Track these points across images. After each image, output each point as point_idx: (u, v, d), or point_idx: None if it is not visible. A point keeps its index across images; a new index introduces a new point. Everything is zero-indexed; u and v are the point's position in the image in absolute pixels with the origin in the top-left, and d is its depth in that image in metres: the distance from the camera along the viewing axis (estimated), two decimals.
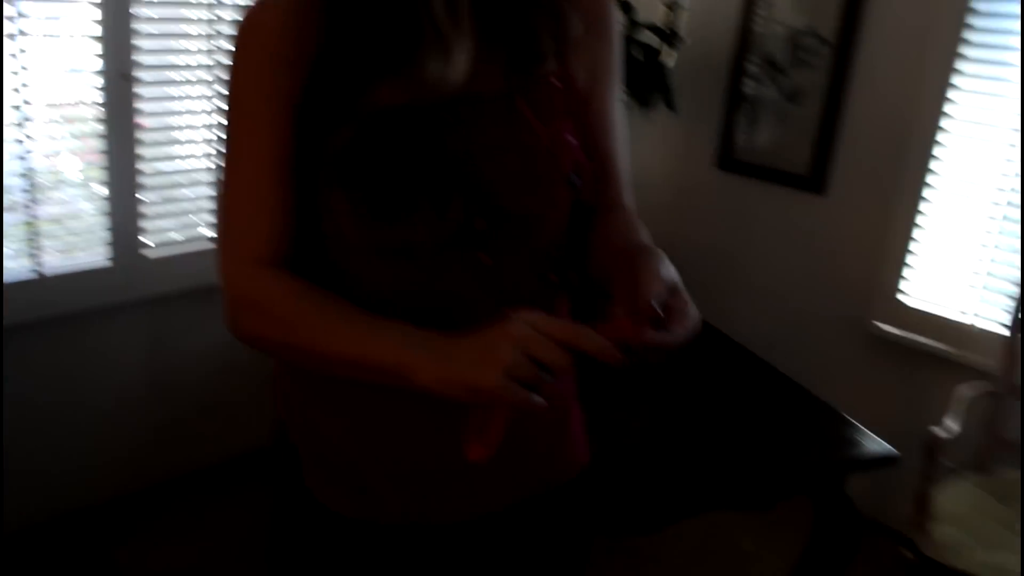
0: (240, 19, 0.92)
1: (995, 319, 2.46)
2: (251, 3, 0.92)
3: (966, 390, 2.28)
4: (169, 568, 2.42)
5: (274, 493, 1.13)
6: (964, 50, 2.44)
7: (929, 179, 2.56)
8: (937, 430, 2.06)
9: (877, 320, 2.73)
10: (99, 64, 2.22)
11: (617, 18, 1.09)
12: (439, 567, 1.11)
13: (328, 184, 0.90)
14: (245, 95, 0.92)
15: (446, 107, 0.91)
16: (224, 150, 0.94)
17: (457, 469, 0.98)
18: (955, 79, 2.47)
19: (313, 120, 0.90)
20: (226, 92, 0.94)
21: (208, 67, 2.42)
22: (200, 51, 2.41)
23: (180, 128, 2.46)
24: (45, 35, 2.12)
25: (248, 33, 0.91)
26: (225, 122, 0.94)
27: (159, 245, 2.50)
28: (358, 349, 0.87)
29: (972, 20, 2.42)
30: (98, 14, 2.18)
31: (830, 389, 2.75)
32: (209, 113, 2.46)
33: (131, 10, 2.23)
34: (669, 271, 0.91)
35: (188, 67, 2.41)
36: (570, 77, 1.01)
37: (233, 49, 0.93)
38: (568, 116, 0.99)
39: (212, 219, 2.57)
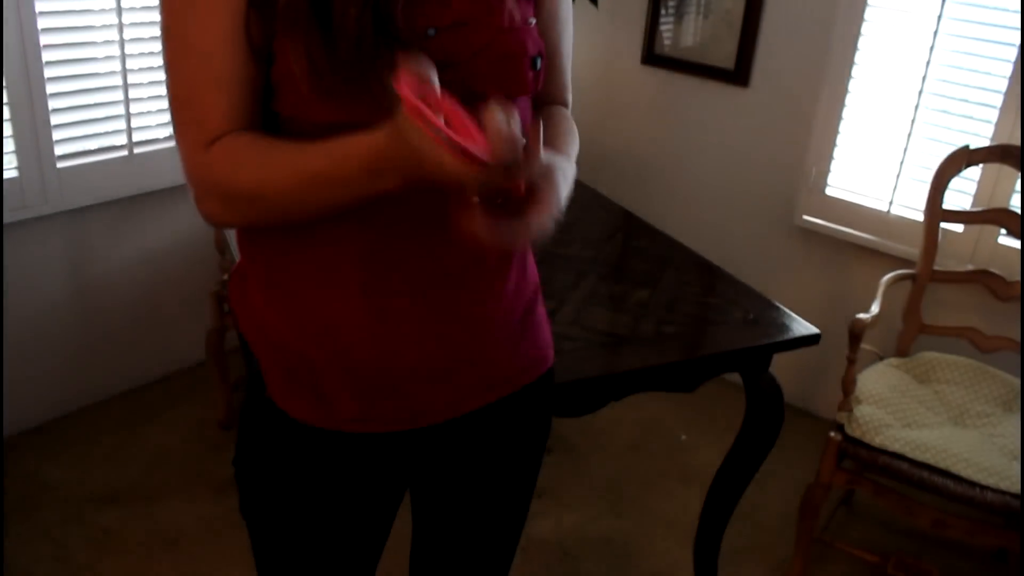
0: None
1: (915, 207, 2.51)
2: None
3: (887, 277, 2.34)
4: (107, 488, 2.39)
5: (243, 405, 1.12)
6: None
7: (851, 70, 2.58)
8: (860, 316, 2.11)
9: (803, 211, 2.77)
10: None
11: None
12: (404, 472, 1.11)
13: (288, 37, 0.84)
14: None
15: None
16: (166, 28, 0.87)
17: (409, 374, 0.98)
18: None
19: None
20: None
21: None
22: None
23: (88, 28, 2.34)
24: None
25: None
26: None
27: (72, 155, 2.40)
28: (326, 159, 0.83)
29: None
30: None
31: (759, 279, 2.79)
32: (119, 12, 2.35)
33: None
34: (560, 164, 0.91)
35: None
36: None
37: None
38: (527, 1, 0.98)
39: (125, 125, 2.47)
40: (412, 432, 1.04)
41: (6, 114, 2.22)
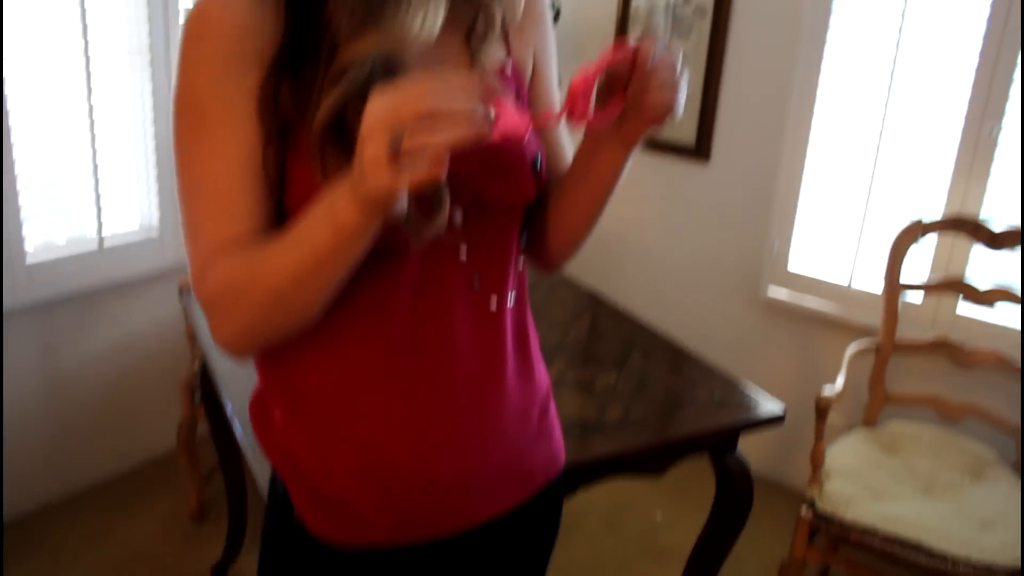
0: (188, 15, 0.87)
1: (876, 278, 2.56)
2: None
3: (851, 349, 2.38)
4: None
5: (264, 533, 1.11)
6: (832, 19, 2.54)
7: (807, 146, 2.66)
8: (825, 393, 2.14)
9: (768, 284, 2.82)
10: None
11: (548, 6, 1.11)
12: None
13: (316, 162, 0.85)
14: (201, 100, 0.87)
15: None
16: (180, 160, 0.89)
17: (442, 480, 0.99)
18: (827, 47, 2.57)
19: (283, 95, 0.87)
20: (177, 94, 0.89)
21: (85, 55, 2.34)
22: (74, 53, 2.33)
23: (59, 127, 2.37)
24: None
25: (199, 33, 0.87)
26: (178, 126, 0.89)
27: (41, 249, 2.41)
28: (300, 245, 0.82)
29: None
30: None
31: (727, 353, 2.85)
32: (90, 110, 2.38)
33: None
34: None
35: (64, 62, 2.33)
36: (516, 66, 1.04)
37: (182, 49, 0.87)
38: (521, 104, 1.02)
39: (96, 220, 2.49)
40: (443, 541, 1.04)
41: None
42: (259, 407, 1.06)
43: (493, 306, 1.01)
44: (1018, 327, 2.35)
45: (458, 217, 0.93)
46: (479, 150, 0.87)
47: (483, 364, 1.01)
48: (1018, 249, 2.27)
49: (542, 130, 1.10)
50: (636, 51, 0.84)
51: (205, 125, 0.87)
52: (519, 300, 1.06)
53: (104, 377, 2.67)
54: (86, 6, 2.31)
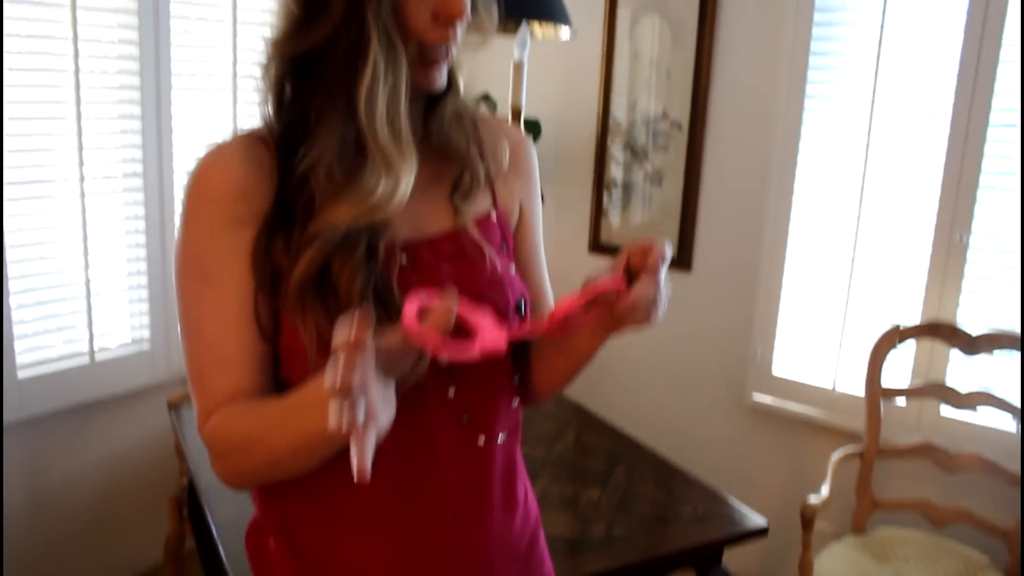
0: (191, 175, 0.94)
1: (859, 382, 2.59)
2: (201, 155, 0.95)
3: (836, 455, 2.40)
4: None
5: None
6: (803, 129, 2.64)
7: (785, 252, 2.72)
8: (810, 501, 2.15)
9: (752, 391, 2.85)
10: None
11: (535, 156, 1.19)
12: None
13: (297, 314, 0.91)
14: (201, 257, 0.94)
15: (408, 248, 0.97)
16: (183, 308, 0.96)
17: None
18: (799, 157, 2.66)
19: (275, 249, 0.93)
20: (180, 248, 0.95)
21: (79, 176, 2.42)
22: (67, 177, 2.41)
23: (52, 243, 2.43)
24: None
25: (200, 194, 0.94)
26: (181, 276, 0.95)
27: (31, 364, 2.43)
28: (298, 424, 0.86)
29: (808, 104, 2.62)
30: None
31: (713, 460, 2.86)
32: (83, 224, 2.45)
33: None
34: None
35: (58, 185, 2.40)
36: (502, 215, 1.10)
37: (185, 207, 0.94)
38: (506, 251, 1.08)
39: (88, 334, 2.53)
40: None
41: None
42: (255, 533, 1.09)
43: (481, 442, 1.04)
44: (1003, 428, 2.37)
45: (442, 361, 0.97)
46: (467, 292, 0.94)
47: (470, 500, 1.03)
48: (995, 353, 2.31)
49: (525, 272, 1.14)
50: (625, 283, 0.90)
51: (205, 279, 0.94)
52: (510, 437, 1.09)
53: (93, 490, 2.67)
54: (83, 127, 2.40)
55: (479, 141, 1.08)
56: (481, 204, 1.07)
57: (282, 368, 0.96)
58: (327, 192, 0.91)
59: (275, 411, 0.90)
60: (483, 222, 1.06)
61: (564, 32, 2.16)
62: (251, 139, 0.97)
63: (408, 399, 0.95)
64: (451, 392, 0.99)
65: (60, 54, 2.34)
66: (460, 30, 0.95)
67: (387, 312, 0.92)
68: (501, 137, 1.11)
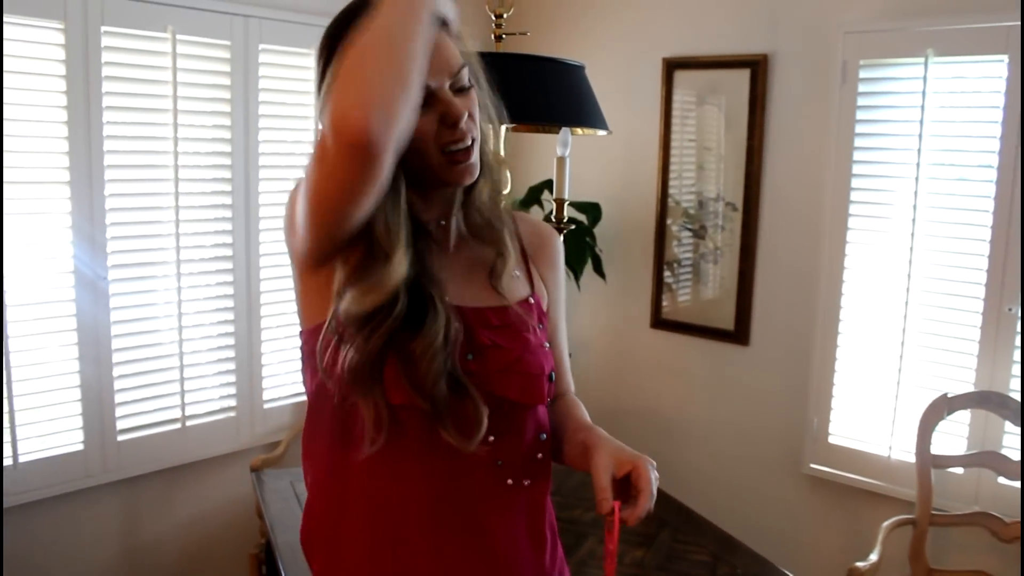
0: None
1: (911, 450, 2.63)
2: None
3: (887, 524, 2.43)
4: None
5: None
6: (851, 208, 2.73)
7: (838, 326, 2.79)
8: (857, 564, 2.19)
9: (809, 460, 2.89)
10: (72, 266, 2.47)
11: (562, 248, 1.37)
12: None
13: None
14: None
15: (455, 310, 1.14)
16: None
17: None
18: (849, 233, 2.75)
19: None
20: None
21: (176, 260, 2.68)
22: (167, 260, 2.68)
23: (149, 319, 2.69)
24: (27, 242, 2.38)
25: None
26: None
27: (129, 429, 2.67)
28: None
29: (855, 182, 2.72)
30: (69, 221, 2.45)
31: (770, 527, 2.91)
32: (178, 303, 2.70)
33: (107, 220, 2.51)
34: (626, 452, 1.18)
35: (158, 267, 2.67)
36: (538, 298, 1.28)
37: None
38: (541, 330, 1.25)
39: (180, 400, 2.76)
40: None
41: (78, 395, 2.53)
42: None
43: (509, 483, 1.19)
44: None
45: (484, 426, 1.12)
46: (506, 361, 1.16)
47: (498, 527, 1.18)
48: None
49: (553, 349, 1.30)
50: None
51: None
52: (537, 483, 1.23)
53: (181, 546, 2.87)
54: (180, 216, 2.68)
55: (517, 231, 1.28)
56: (521, 289, 1.25)
57: None
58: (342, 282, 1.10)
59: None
60: (522, 304, 1.23)
61: (601, 131, 2.34)
62: None
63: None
64: (491, 438, 1.14)
65: (162, 152, 2.63)
66: (471, 127, 1.12)
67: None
68: (536, 231, 1.33)
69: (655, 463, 1.17)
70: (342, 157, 0.95)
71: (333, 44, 1.10)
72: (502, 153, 1.38)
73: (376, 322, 1.07)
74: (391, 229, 1.09)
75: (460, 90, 1.12)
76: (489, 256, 1.23)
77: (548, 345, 1.25)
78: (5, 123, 2.28)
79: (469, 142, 1.12)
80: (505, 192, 1.30)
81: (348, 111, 0.92)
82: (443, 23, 1.11)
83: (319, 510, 1.22)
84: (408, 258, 1.10)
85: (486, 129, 1.20)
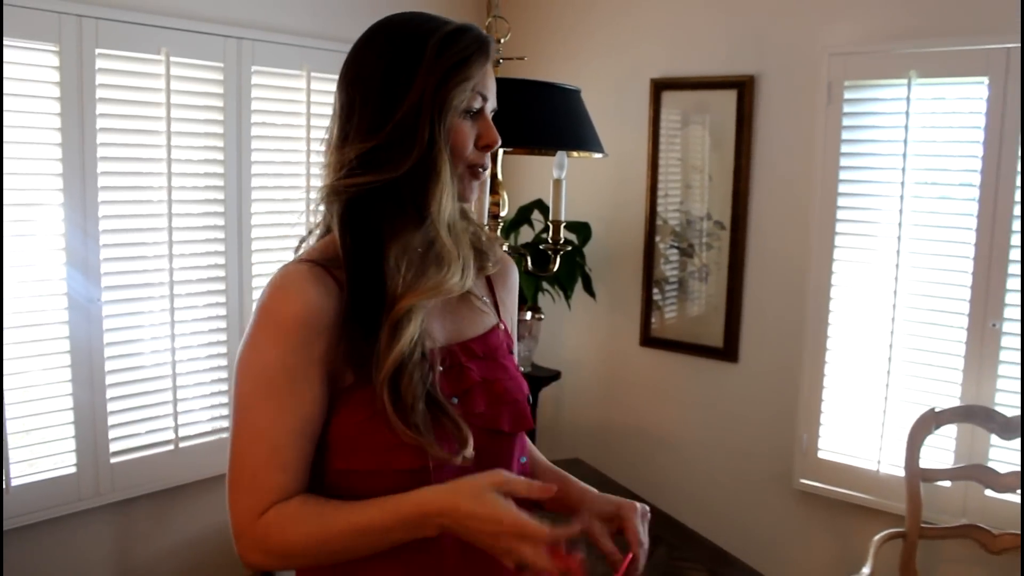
0: (268, 295, 1.09)
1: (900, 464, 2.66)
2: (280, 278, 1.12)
3: (877, 537, 2.46)
4: None
5: None
6: (838, 226, 2.78)
7: (827, 342, 2.84)
8: None
9: (799, 476, 2.93)
10: (65, 288, 2.47)
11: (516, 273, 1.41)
12: None
13: (384, 396, 1.07)
14: (273, 373, 1.07)
15: (445, 352, 1.16)
16: (242, 415, 1.08)
17: None
18: (835, 252, 2.80)
19: (340, 352, 1.10)
20: (247, 361, 1.08)
21: (169, 281, 2.68)
22: (160, 281, 2.68)
23: (143, 340, 2.69)
24: (20, 264, 2.38)
25: (271, 324, 1.08)
26: (243, 386, 1.08)
27: (122, 451, 2.66)
28: (378, 512, 1.04)
29: (841, 201, 2.78)
30: (62, 243, 2.45)
31: (761, 542, 2.94)
32: (171, 324, 2.70)
33: (100, 241, 2.52)
34: (611, 505, 1.24)
35: (152, 288, 2.67)
36: (506, 324, 1.33)
37: (259, 326, 1.09)
38: (512, 355, 1.30)
39: (173, 422, 2.75)
40: None
41: (70, 417, 2.52)
42: None
43: None
44: None
45: (470, 452, 1.12)
46: (493, 395, 1.18)
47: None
48: None
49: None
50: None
51: (272, 395, 1.07)
52: (522, 507, 1.23)
53: (174, 570, 2.86)
54: (173, 237, 2.68)
55: (496, 262, 1.32)
56: (492, 316, 1.30)
57: (330, 454, 1.11)
58: (408, 283, 1.11)
59: (356, 522, 1.05)
60: (495, 331, 1.28)
61: (597, 154, 2.38)
62: (310, 266, 1.12)
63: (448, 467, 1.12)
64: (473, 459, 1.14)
65: (156, 173, 2.64)
66: (489, 155, 1.19)
67: (434, 408, 1.10)
68: (502, 262, 1.36)
69: (643, 508, 1.24)
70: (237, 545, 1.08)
71: (353, 74, 1.16)
72: (499, 176, 1.45)
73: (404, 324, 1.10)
74: (456, 234, 1.15)
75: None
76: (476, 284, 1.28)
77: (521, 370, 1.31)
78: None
79: (487, 168, 1.20)
80: (503, 215, 1.35)
81: (254, 558, 1.06)
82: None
83: None
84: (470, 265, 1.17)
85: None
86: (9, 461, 2.41)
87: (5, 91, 2.29)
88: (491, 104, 1.18)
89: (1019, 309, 2.44)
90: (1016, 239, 2.46)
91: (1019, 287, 2.43)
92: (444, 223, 1.12)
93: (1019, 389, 2.45)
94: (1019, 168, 2.44)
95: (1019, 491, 2.40)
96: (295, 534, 1.05)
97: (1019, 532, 2.37)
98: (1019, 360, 2.47)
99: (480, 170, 1.19)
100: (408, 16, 1.18)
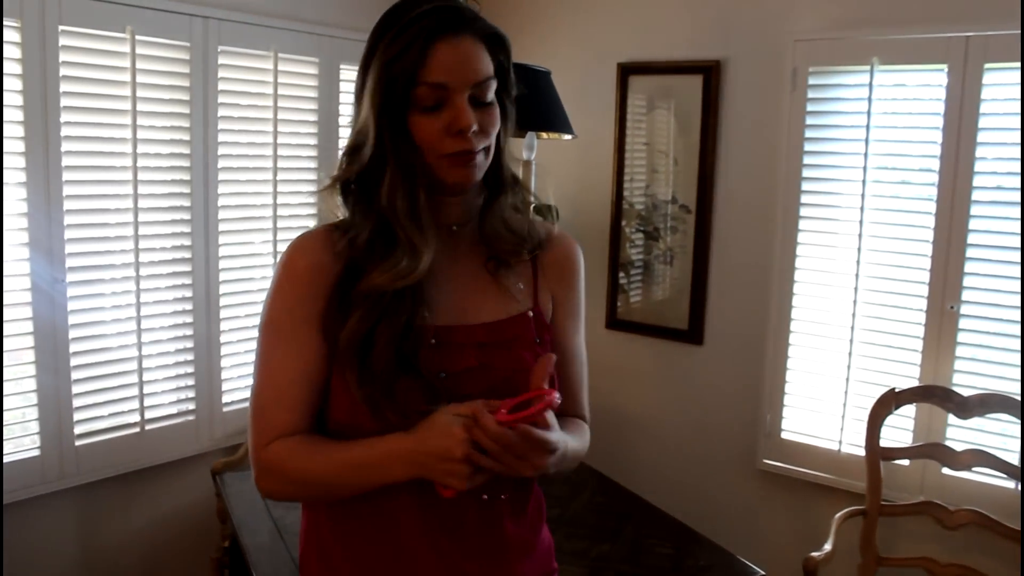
0: (285, 254, 1.21)
1: (863, 445, 2.72)
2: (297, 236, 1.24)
3: (839, 515, 2.52)
4: None
5: None
6: (802, 211, 2.83)
7: (790, 324, 2.89)
8: (812, 554, 2.27)
9: (763, 456, 2.98)
10: (28, 269, 2.44)
11: (582, 268, 1.38)
12: None
13: (345, 365, 1.16)
14: (281, 319, 1.20)
15: (442, 331, 1.19)
16: (261, 355, 1.21)
17: None
18: (799, 235, 2.84)
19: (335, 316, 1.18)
20: (265, 309, 1.21)
21: (135, 262, 2.66)
22: (125, 263, 2.66)
23: (107, 322, 2.66)
24: None
25: (285, 275, 1.20)
26: (262, 331, 1.21)
27: (87, 434, 2.63)
28: (361, 451, 1.14)
29: (805, 185, 2.82)
30: (24, 223, 2.42)
31: (726, 522, 2.99)
32: (137, 305, 2.68)
33: (64, 222, 2.48)
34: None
35: (116, 269, 2.64)
36: (540, 312, 1.30)
37: (275, 279, 1.21)
38: (540, 345, 1.27)
39: (139, 404, 2.73)
40: None
41: (34, 399, 2.49)
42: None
43: (485, 496, 1.23)
44: (1003, 485, 2.48)
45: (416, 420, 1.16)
46: (489, 383, 1.20)
47: (477, 537, 1.23)
48: (989, 415, 2.45)
49: (559, 367, 1.31)
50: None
51: (281, 338, 1.20)
52: (518, 495, 1.28)
53: (140, 551, 2.84)
54: (139, 219, 2.65)
55: (538, 246, 1.30)
56: (522, 303, 1.28)
57: (328, 407, 1.20)
58: (369, 265, 1.16)
59: (341, 460, 1.16)
60: (520, 318, 1.26)
61: (567, 136, 2.39)
62: (331, 229, 1.22)
63: None
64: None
65: (121, 153, 2.61)
66: (480, 140, 1.16)
67: (410, 378, 1.15)
68: (560, 248, 1.34)
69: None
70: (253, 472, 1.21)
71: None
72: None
73: (374, 302, 1.15)
74: (421, 229, 1.17)
75: (480, 103, 1.16)
76: (482, 252, 1.27)
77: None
78: None
79: (476, 150, 1.16)
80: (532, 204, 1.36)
81: (265, 493, 1.22)
82: (489, 35, 1.16)
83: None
84: (430, 253, 1.17)
85: (503, 144, 1.25)
86: None
87: None
88: (481, 91, 1.15)
89: (1019, 299, 2.47)
90: (975, 224, 2.52)
91: (1019, 276, 2.47)
92: (397, 213, 1.16)
93: (984, 371, 2.52)
94: (1020, 156, 2.47)
95: (970, 470, 2.47)
96: (291, 463, 1.17)
97: (975, 509, 2.44)
98: (987, 343, 2.53)
99: (467, 156, 1.16)
100: (395, 3, 1.17)
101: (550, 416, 1.12)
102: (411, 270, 1.15)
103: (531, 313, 1.28)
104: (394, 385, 1.14)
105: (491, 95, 1.17)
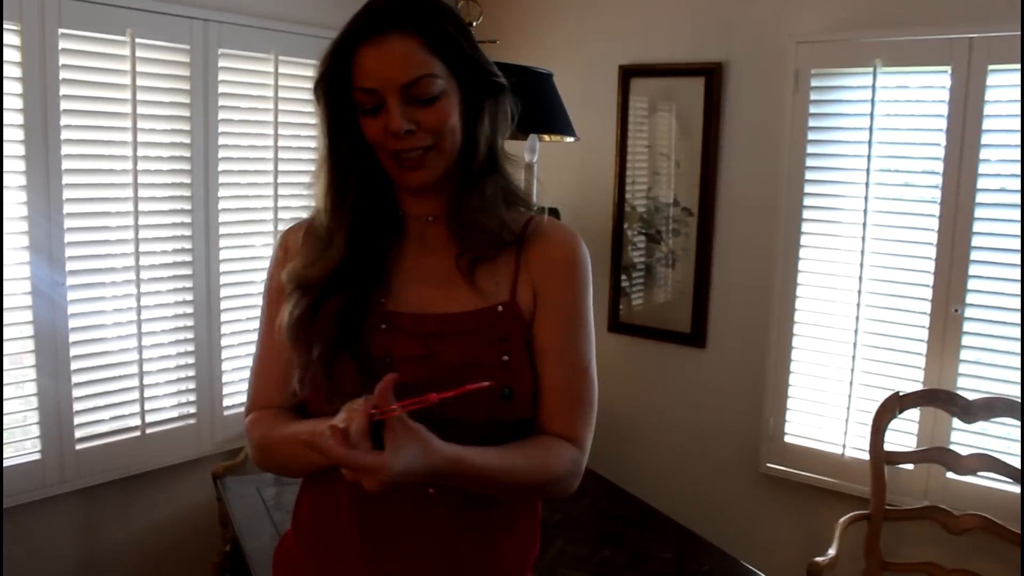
0: (281, 235, 1.33)
1: (867, 448, 2.71)
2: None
3: (843, 519, 2.50)
4: None
5: None
6: (805, 213, 2.82)
7: (793, 327, 2.87)
8: (816, 559, 2.26)
9: (766, 460, 2.97)
10: (28, 272, 2.43)
11: (587, 267, 1.26)
12: None
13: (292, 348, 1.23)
14: (269, 295, 1.30)
15: (393, 316, 1.21)
16: (261, 324, 1.31)
17: None
18: (802, 239, 2.83)
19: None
20: (265, 282, 1.33)
21: (135, 266, 2.65)
22: (126, 266, 2.65)
23: (108, 326, 2.65)
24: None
25: (278, 248, 1.32)
26: (263, 303, 1.31)
27: (88, 438, 2.63)
28: (303, 427, 1.16)
29: (808, 187, 2.81)
30: (25, 227, 2.42)
31: (729, 526, 2.97)
32: (138, 309, 2.67)
33: (64, 225, 2.48)
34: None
35: (117, 273, 2.64)
36: (513, 307, 1.20)
37: (272, 258, 1.32)
38: (507, 341, 1.18)
39: (139, 408, 2.72)
40: None
41: (35, 403, 2.48)
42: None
43: (431, 491, 1.17)
44: (1007, 490, 2.46)
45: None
46: (438, 373, 1.16)
47: (422, 531, 1.20)
48: (993, 419, 2.43)
49: (539, 363, 1.21)
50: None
51: (264, 313, 1.31)
52: (470, 497, 1.18)
53: (141, 555, 2.83)
54: (140, 222, 2.65)
55: (523, 239, 1.23)
56: (495, 296, 1.20)
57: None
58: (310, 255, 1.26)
59: (287, 435, 1.20)
60: (486, 311, 1.19)
61: (569, 138, 2.38)
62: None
63: None
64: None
65: (121, 156, 2.60)
66: (423, 138, 1.15)
67: (349, 358, 1.18)
68: (551, 243, 1.24)
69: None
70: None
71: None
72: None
73: (309, 290, 1.22)
74: (337, 219, 1.23)
75: (421, 100, 1.14)
76: (452, 248, 1.23)
77: (508, 359, 1.18)
78: None
79: (417, 148, 1.16)
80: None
81: (249, 451, 1.30)
82: (423, 28, 1.13)
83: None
84: (346, 245, 1.22)
85: (479, 136, 1.21)
86: None
87: None
88: (413, 89, 1.13)
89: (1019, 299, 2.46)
90: (979, 226, 2.50)
91: (1019, 277, 2.46)
92: (320, 209, 1.25)
93: (988, 375, 2.51)
94: (1022, 157, 2.45)
95: (975, 474, 2.46)
96: (256, 431, 1.26)
97: (979, 513, 2.43)
98: (992, 347, 2.52)
99: (404, 157, 1.16)
100: None
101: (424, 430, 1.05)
102: (327, 258, 1.22)
103: (500, 308, 1.20)
104: (332, 364, 1.17)
105: (435, 90, 1.14)
